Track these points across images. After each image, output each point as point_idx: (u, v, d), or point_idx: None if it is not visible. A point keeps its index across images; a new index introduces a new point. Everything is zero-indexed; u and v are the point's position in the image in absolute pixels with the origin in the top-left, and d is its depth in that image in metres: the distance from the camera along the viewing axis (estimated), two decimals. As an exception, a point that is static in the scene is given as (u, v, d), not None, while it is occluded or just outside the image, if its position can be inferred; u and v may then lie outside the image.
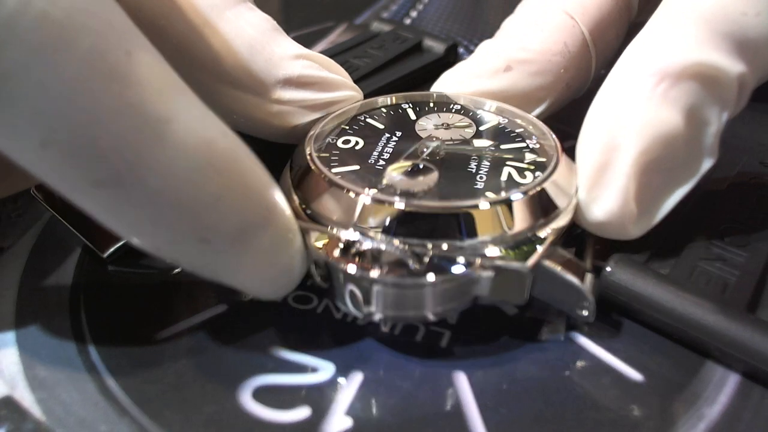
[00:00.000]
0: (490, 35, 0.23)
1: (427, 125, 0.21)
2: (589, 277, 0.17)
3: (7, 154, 0.13)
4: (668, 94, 0.17)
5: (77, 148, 0.13)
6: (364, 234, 0.16)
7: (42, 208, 0.21)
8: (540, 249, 0.17)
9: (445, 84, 0.22)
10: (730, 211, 0.20)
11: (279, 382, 0.17)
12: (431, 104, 0.22)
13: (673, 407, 0.16)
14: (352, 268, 0.16)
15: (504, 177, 0.18)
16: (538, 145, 0.20)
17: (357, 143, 0.20)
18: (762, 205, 0.21)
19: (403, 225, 0.16)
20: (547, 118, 0.21)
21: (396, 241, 0.16)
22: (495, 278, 0.17)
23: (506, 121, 0.21)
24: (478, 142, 0.20)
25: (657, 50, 0.18)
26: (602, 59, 0.23)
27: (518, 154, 0.19)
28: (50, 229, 0.21)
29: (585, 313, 0.17)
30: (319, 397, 0.16)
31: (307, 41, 0.34)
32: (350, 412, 0.16)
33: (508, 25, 0.23)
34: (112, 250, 0.19)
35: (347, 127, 0.20)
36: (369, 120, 0.21)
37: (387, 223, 0.16)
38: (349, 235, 0.16)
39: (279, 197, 0.16)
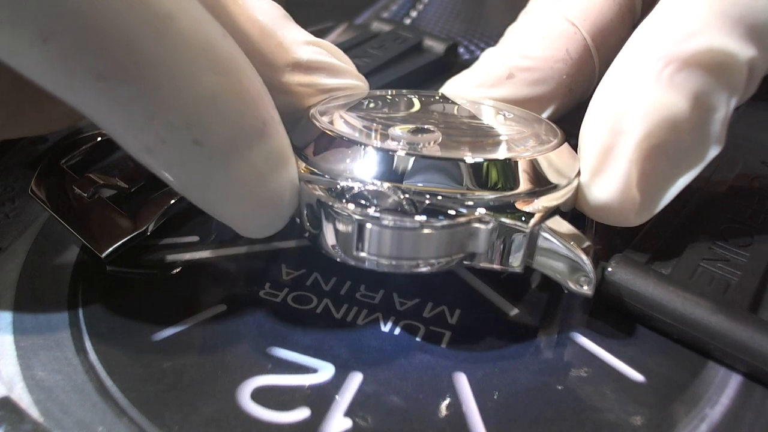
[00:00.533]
0: (490, 35, 0.24)
1: (434, 109, 0.21)
2: (593, 252, 0.17)
3: (6, 52, 0.13)
4: (675, 79, 0.17)
5: (81, 41, 0.13)
6: (360, 180, 0.16)
7: (40, 208, 0.21)
8: (541, 213, 0.17)
9: (449, 90, 0.23)
10: (731, 211, 0.20)
11: (278, 383, 0.16)
12: (436, 97, 0.22)
13: (675, 408, 0.16)
14: (344, 207, 0.16)
15: (506, 146, 0.18)
16: (543, 133, 0.20)
17: (366, 104, 0.20)
18: (763, 204, 0.21)
19: (401, 172, 0.16)
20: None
21: (392, 186, 0.16)
22: (492, 235, 0.16)
23: (511, 115, 0.21)
24: (482, 124, 0.20)
25: (665, 33, 0.17)
26: (606, 64, 0.23)
27: (521, 137, 0.19)
28: (48, 230, 0.21)
29: (585, 287, 0.17)
30: (319, 398, 0.16)
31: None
32: (349, 412, 0.16)
33: (511, 32, 0.23)
34: (110, 250, 0.19)
35: (356, 101, 0.21)
36: (374, 103, 0.21)
37: (384, 170, 0.16)
38: (345, 181, 0.16)
39: (276, 116, 0.16)
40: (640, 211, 0.18)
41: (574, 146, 0.19)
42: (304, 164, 0.18)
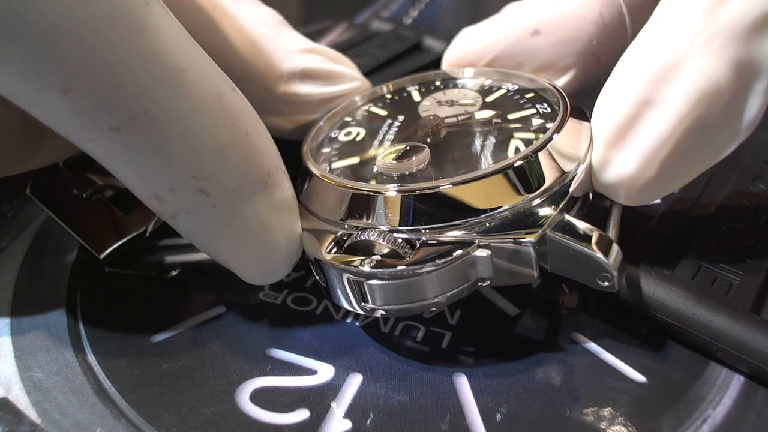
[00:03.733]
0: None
1: (430, 105, 0.20)
2: (611, 246, 0.16)
3: (28, 103, 0.14)
4: (717, 44, 0.15)
5: (99, 94, 0.13)
6: (354, 228, 0.16)
7: (38, 209, 0.21)
8: (545, 222, 0.16)
9: (466, 41, 0.21)
10: (733, 211, 0.20)
11: (277, 384, 0.16)
12: (437, 83, 0.21)
13: (677, 409, 0.16)
14: (342, 265, 0.16)
15: (508, 148, 0.17)
16: (549, 110, 0.19)
17: (358, 134, 0.19)
18: (766, 204, 0.21)
19: (393, 213, 0.16)
20: None
21: (384, 231, 0.16)
22: (495, 257, 0.16)
23: (515, 87, 0.20)
24: (483, 115, 0.19)
25: None
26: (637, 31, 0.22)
27: (525, 122, 0.18)
28: (47, 230, 0.21)
29: (606, 284, 0.16)
30: (318, 400, 0.16)
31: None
32: (349, 414, 0.16)
33: None
34: (108, 251, 0.19)
35: (350, 119, 0.20)
36: (373, 108, 0.21)
37: (376, 212, 0.16)
38: (340, 230, 0.16)
39: (281, 167, 0.16)
40: (653, 191, 0.17)
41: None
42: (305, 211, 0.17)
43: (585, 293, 0.19)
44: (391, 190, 0.16)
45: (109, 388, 0.16)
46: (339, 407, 0.16)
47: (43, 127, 0.14)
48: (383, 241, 0.16)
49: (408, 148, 0.18)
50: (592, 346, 0.18)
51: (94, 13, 0.13)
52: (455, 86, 0.21)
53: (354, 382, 0.17)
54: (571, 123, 0.18)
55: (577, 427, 0.16)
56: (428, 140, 0.18)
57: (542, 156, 0.17)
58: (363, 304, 0.16)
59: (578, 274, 0.16)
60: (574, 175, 0.17)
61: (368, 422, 0.16)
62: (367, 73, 0.27)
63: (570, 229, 0.16)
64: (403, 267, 0.15)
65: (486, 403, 0.16)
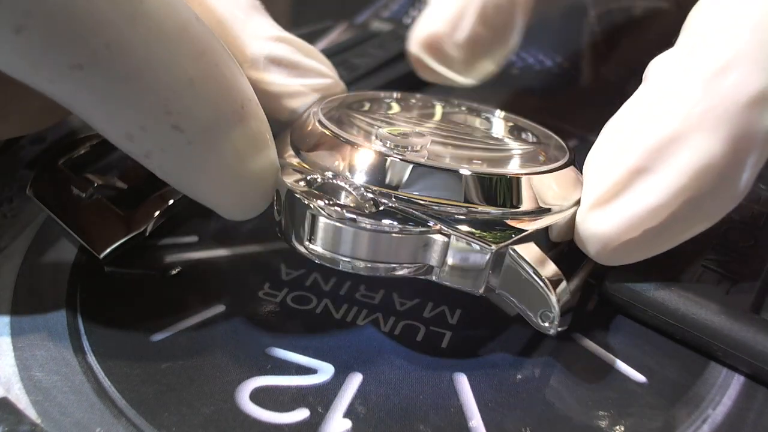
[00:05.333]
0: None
1: (448, 116, 0.21)
2: (563, 285, 0.15)
3: None
4: (714, 117, 0.15)
5: (54, 31, 0.13)
6: (330, 174, 0.16)
7: (38, 208, 0.21)
8: (514, 235, 0.16)
9: (432, 17, 0.22)
10: (734, 210, 0.20)
11: (277, 384, 0.16)
12: (461, 108, 0.22)
13: (677, 409, 0.16)
14: (303, 196, 0.16)
15: (500, 161, 0.18)
16: (551, 150, 0.19)
17: (376, 109, 0.20)
18: (766, 204, 0.21)
19: (374, 172, 0.16)
20: (547, 115, 0.22)
21: (359, 185, 0.16)
22: (449, 249, 0.16)
23: (527, 132, 0.21)
24: (500, 131, 0.20)
25: (699, 65, 0.16)
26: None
27: (534, 152, 0.19)
28: (46, 230, 0.21)
29: (547, 324, 0.16)
30: (318, 399, 0.16)
31: (307, 40, 0.34)
32: (349, 413, 0.16)
33: None
34: (108, 250, 0.19)
35: (375, 99, 0.21)
36: (403, 99, 0.21)
37: (359, 168, 0.16)
38: (318, 174, 0.16)
39: (254, 98, 0.16)
40: (627, 254, 0.17)
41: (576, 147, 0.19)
42: (289, 153, 0.18)
43: (585, 293, 0.19)
44: (378, 147, 0.16)
45: (108, 387, 0.16)
46: (339, 407, 0.16)
47: (6, 88, 0.14)
48: (351, 189, 0.16)
49: (414, 131, 0.18)
50: (592, 346, 0.18)
51: None
52: (470, 114, 0.22)
53: (354, 382, 0.17)
54: (572, 172, 0.18)
55: (578, 427, 0.16)
56: (437, 132, 0.19)
57: (538, 180, 0.17)
58: (309, 243, 0.16)
59: (523, 303, 0.16)
60: (564, 209, 0.17)
61: (368, 422, 0.16)
62: (368, 74, 0.27)
63: (532, 256, 0.16)
64: (356, 216, 0.15)
65: (486, 403, 0.16)
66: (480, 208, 0.16)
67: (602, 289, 0.18)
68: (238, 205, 0.17)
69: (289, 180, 0.17)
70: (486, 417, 0.16)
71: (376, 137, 0.18)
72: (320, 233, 0.16)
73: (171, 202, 0.20)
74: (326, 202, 0.16)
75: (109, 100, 0.14)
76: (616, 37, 0.35)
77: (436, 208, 0.16)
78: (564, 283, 0.16)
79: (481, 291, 0.16)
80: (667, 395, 0.16)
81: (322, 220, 0.16)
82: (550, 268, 0.16)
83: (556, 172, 0.17)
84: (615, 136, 0.17)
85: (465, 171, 0.16)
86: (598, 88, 0.30)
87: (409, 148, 0.17)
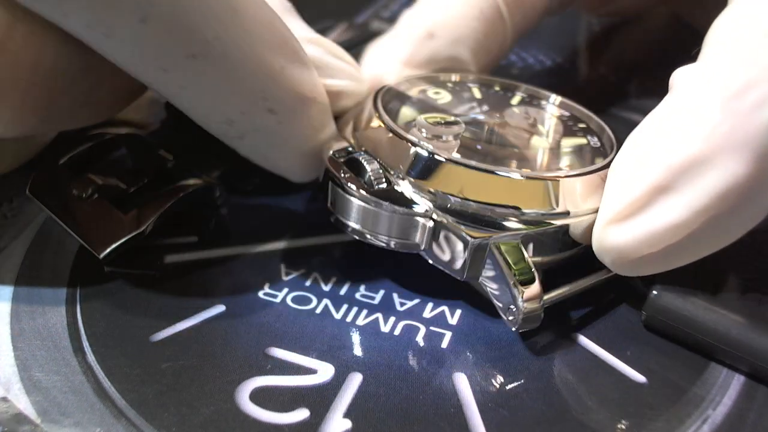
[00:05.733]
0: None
1: (518, 112, 0.21)
2: (533, 290, 0.16)
3: (104, 34, 0.14)
4: (739, 137, 0.15)
5: (174, 21, 0.14)
6: (360, 151, 0.19)
7: (38, 208, 0.21)
8: (496, 234, 0.17)
9: (374, 59, 0.23)
10: None
11: (277, 384, 0.16)
12: (523, 95, 0.23)
13: (677, 409, 0.16)
14: (329, 165, 0.18)
15: (527, 158, 0.19)
16: (598, 144, 0.20)
17: (434, 96, 0.22)
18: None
19: (395, 155, 0.18)
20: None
21: (373, 161, 0.18)
22: (435, 234, 0.17)
23: (578, 124, 0.21)
24: (534, 131, 0.20)
25: (722, 83, 0.16)
26: (518, 28, 0.24)
27: (555, 152, 0.19)
28: (46, 230, 0.21)
29: (511, 319, 0.17)
30: (318, 399, 0.16)
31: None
32: (349, 413, 0.16)
33: None
34: (108, 250, 0.19)
35: (440, 86, 0.22)
36: (470, 86, 0.22)
37: (387, 151, 0.18)
38: (355, 149, 0.19)
39: (318, 79, 0.19)
40: (646, 268, 0.17)
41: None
42: (349, 129, 0.20)
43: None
44: (407, 135, 0.18)
45: (108, 387, 0.16)
46: (339, 407, 0.16)
47: (100, 70, 0.15)
48: (368, 167, 0.18)
49: (451, 119, 0.19)
50: (592, 346, 0.18)
51: None
52: (538, 104, 0.22)
53: (354, 382, 0.17)
54: (593, 179, 0.18)
55: (577, 427, 0.16)
56: (485, 132, 0.20)
57: (547, 185, 0.17)
58: (329, 205, 0.19)
59: (495, 295, 0.17)
60: (560, 217, 0.17)
61: (368, 422, 0.16)
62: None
63: (511, 253, 0.17)
64: (359, 189, 0.18)
65: (486, 403, 0.16)
66: (475, 203, 0.17)
67: (647, 312, 0.18)
68: (307, 168, 0.19)
69: (330, 151, 0.19)
70: (486, 417, 0.16)
71: (415, 125, 0.19)
72: (332, 198, 0.18)
73: (171, 202, 0.20)
74: (341, 173, 0.18)
75: (216, 88, 0.16)
76: (616, 37, 0.35)
77: (437, 195, 0.17)
78: (536, 288, 0.16)
79: (463, 277, 0.17)
80: (668, 395, 0.16)
81: (332, 187, 0.18)
82: (524, 270, 0.16)
83: (573, 178, 0.18)
84: (638, 150, 0.17)
85: (472, 166, 0.17)
86: (598, 88, 0.30)
87: (440, 138, 0.19)
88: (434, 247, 0.18)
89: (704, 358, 0.17)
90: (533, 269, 0.17)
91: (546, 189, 0.17)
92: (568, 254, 0.18)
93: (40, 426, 0.15)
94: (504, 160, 0.19)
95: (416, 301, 0.19)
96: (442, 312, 0.19)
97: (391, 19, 0.36)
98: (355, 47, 0.29)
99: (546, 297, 0.17)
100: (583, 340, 0.18)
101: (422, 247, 0.18)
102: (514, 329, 0.17)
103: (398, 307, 0.19)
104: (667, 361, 0.17)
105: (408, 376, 0.17)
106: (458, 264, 0.17)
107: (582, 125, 0.21)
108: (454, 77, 0.23)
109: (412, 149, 0.18)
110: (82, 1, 0.14)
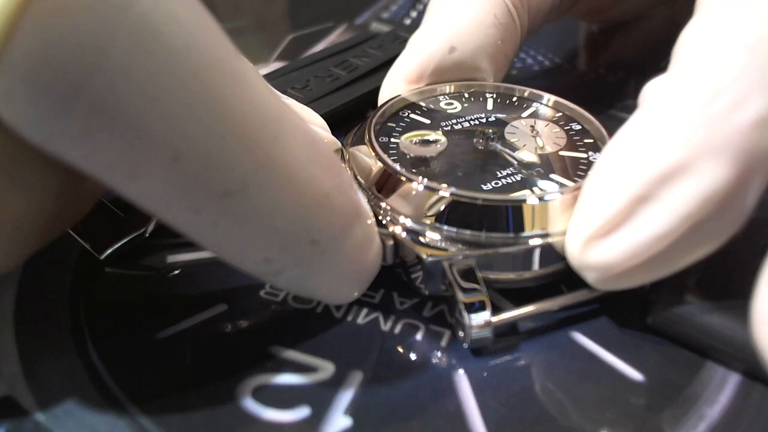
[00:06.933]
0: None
1: (517, 127, 0.21)
2: (482, 315, 0.16)
3: (129, 176, 0.12)
4: (717, 143, 0.15)
5: (209, 157, 0.12)
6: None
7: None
8: (452, 251, 0.17)
9: (397, 74, 0.22)
10: None
11: (278, 382, 0.17)
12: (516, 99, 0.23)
13: (674, 408, 0.16)
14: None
15: (507, 181, 0.18)
16: (579, 170, 0.19)
17: (451, 105, 0.22)
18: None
19: (369, 176, 0.19)
20: None
21: (377, 202, 0.18)
22: (396, 252, 0.18)
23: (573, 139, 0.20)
24: (529, 153, 0.20)
25: (697, 90, 0.15)
26: (525, 30, 0.24)
27: (531, 174, 0.19)
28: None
29: (462, 336, 0.17)
30: (319, 397, 0.16)
31: (308, 41, 0.34)
32: (350, 411, 0.16)
33: (434, 10, 0.23)
34: (108, 251, 0.19)
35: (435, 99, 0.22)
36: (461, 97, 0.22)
37: (367, 173, 0.19)
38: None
39: (359, 191, 0.17)
40: (630, 280, 0.16)
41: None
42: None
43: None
44: (381, 155, 0.19)
45: (111, 386, 0.16)
46: (339, 405, 0.16)
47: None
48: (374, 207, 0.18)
49: (430, 138, 0.19)
50: (591, 345, 0.18)
51: (202, 70, 0.12)
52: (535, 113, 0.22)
53: (354, 380, 0.17)
54: (564, 201, 0.17)
55: (576, 426, 0.16)
56: (475, 146, 0.20)
57: (508, 209, 0.17)
58: None
59: (451, 313, 0.18)
60: (521, 240, 0.17)
61: (368, 420, 0.16)
62: (367, 74, 0.27)
63: (466, 276, 0.17)
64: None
65: (486, 402, 0.16)
66: (430, 225, 0.17)
67: (652, 320, 0.17)
68: (353, 292, 0.17)
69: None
70: (486, 417, 0.16)
71: (398, 144, 0.20)
72: None
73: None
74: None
75: (253, 226, 0.13)
76: (615, 38, 0.35)
77: (394, 213, 0.18)
78: (484, 315, 0.17)
79: (426, 292, 0.18)
80: (665, 394, 0.16)
81: None
82: (474, 293, 0.17)
83: (540, 201, 0.17)
84: (613, 164, 0.16)
85: (431, 188, 0.18)
86: (597, 88, 0.30)
87: (426, 163, 0.19)
88: (398, 264, 0.18)
89: (701, 357, 0.17)
90: (484, 294, 0.17)
91: (506, 212, 0.17)
92: (534, 275, 0.18)
93: (44, 424, 0.15)
94: (473, 180, 0.18)
95: (416, 300, 0.19)
96: (442, 311, 0.19)
97: (391, 20, 0.36)
98: (354, 48, 0.29)
99: (496, 319, 0.17)
100: (582, 339, 0.18)
101: (388, 262, 0.18)
102: (465, 345, 0.17)
103: (398, 306, 0.19)
104: (665, 359, 0.17)
105: (408, 375, 0.17)
106: (418, 281, 0.18)
107: (588, 140, 0.20)
108: (462, 87, 0.22)
109: (378, 164, 0.19)
110: (106, 139, 0.12)
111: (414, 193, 0.18)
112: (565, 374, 0.17)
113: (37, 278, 0.19)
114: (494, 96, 0.22)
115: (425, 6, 0.24)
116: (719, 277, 0.18)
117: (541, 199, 0.17)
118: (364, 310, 0.19)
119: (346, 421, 0.16)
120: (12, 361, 0.17)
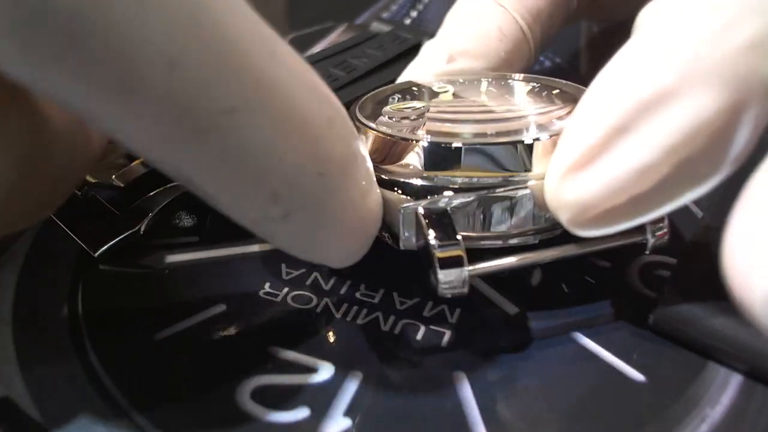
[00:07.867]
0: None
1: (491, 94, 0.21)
2: (453, 255, 0.16)
3: (128, 90, 0.11)
4: (712, 69, 0.13)
5: (206, 67, 0.12)
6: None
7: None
8: (419, 201, 0.16)
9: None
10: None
11: (278, 382, 0.16)
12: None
13: (675, 408, 0.16)
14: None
15: (484, 127, 0.18)
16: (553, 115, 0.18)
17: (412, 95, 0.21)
18: None
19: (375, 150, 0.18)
20: None
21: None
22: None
23: (557, 97, 0.20)
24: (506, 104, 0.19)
25: (690, 21, 0.14)
26: (538, 42, 0.24)
27: (527, 122, 0.18)
28: (47, 230, 0.21)
29: (434, 284, 0.16)
30: (319, 398, 0.16)
31: (308, 41, 0.34)
32: (349, 412, 0.16)
33: (446, 23, 0.24)
34: (103, 249, 0.19)
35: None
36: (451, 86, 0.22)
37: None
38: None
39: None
40: (606, 223, 0.15)
41: None
42: None
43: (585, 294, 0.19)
44: (363, 120, 0.18)
45: (110, 386, 0.16)
46: (339, 405, 0.16)
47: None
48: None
49: (415, 105, 0.19)
50: (592, 345, 0.18)
51: None
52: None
53: (354, 380, 0.17)
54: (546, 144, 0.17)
55: (577, 426, 0.16)
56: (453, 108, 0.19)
57: (490, 150, 0.17)
58: None
59: (425, 262, 0.16)
60: (504, 180, 0.17)
61: (368, 420, 0.16)
62: (366, 74, 0.27)
63: (442, 223, 0.16)
64: None
65: (486, 403, 0.16)
66: (405, 171, 0.17)
67: (655, 320, 0.17)
68: (356, 249, 0.16)
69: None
70: (486, 417, 0.16)
71: (382, 112, 0.19)
72: None
73: (166, 201, 0.20)
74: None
75: (261, 150, 0.13)
76: (616, 38, 0.35)
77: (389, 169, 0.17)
78: (460, 259, 0.16)
79: (401, 246, 0.17)
80: (666, 394, 0.16)
81: None
82: (445, 236, 0.16)
83: (525, 144, 0.17)
84: (595, 96, 0.15)
85: (405, 138, 0.17)
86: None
87: (409, 118, 0.18)
88: (383, 226, 0.17)
89: (703, 357, 0.17)
90: (457, 237, 0.16)
91: (487, 154, 0.16)
92: (519, 230, 0.17)
93: (42, 425, 0.15)
94: (457, 130, 0.18)
95: (416, 300, 0.19)
96: (442, 311, 0.19)
97: (391, 21, 0.36)
98: (354, 48, 0.29)
99: (472, 267, 0.16)
100: (583, 339, 0.18)
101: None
102: (439, 293, 0.16)
103: (398, 306, 0.19)
104: (666, 360, 0.17)
105: (408, 375, 0.17)
106: (394, 230, 0.17)
107: (567, 94, 0.20)
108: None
109: (368, 132, 0.18)
110: (96, 46, 0.11)
111: (395, 145, 0.17)
112: (565, 374, 0.17)
113: (36, 278, 0.19)
114: (489, 80, 0.22)
115: (425, 6, 0.24)
116: (721, 277, 0.17)
117: (524, 142, 0.16)
118: (364, 310, 0.19)
119: (346, 422, 0.16)
120: (10, 361, 0.17)
